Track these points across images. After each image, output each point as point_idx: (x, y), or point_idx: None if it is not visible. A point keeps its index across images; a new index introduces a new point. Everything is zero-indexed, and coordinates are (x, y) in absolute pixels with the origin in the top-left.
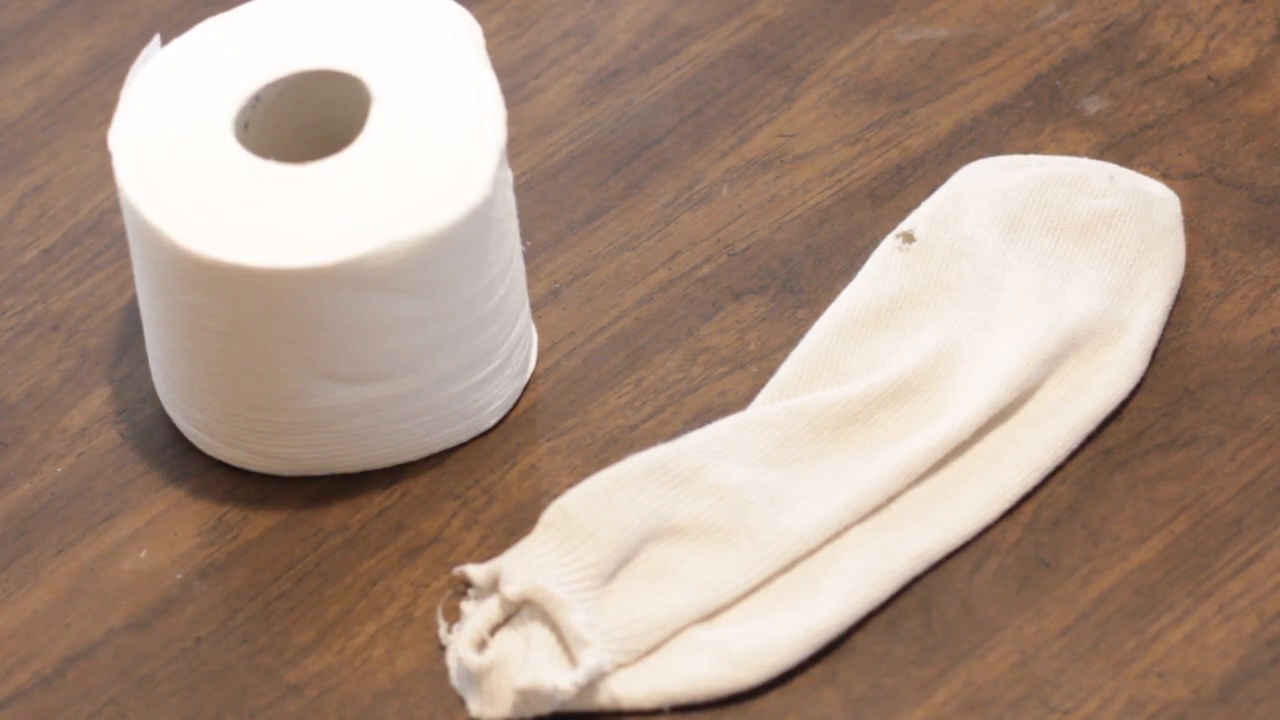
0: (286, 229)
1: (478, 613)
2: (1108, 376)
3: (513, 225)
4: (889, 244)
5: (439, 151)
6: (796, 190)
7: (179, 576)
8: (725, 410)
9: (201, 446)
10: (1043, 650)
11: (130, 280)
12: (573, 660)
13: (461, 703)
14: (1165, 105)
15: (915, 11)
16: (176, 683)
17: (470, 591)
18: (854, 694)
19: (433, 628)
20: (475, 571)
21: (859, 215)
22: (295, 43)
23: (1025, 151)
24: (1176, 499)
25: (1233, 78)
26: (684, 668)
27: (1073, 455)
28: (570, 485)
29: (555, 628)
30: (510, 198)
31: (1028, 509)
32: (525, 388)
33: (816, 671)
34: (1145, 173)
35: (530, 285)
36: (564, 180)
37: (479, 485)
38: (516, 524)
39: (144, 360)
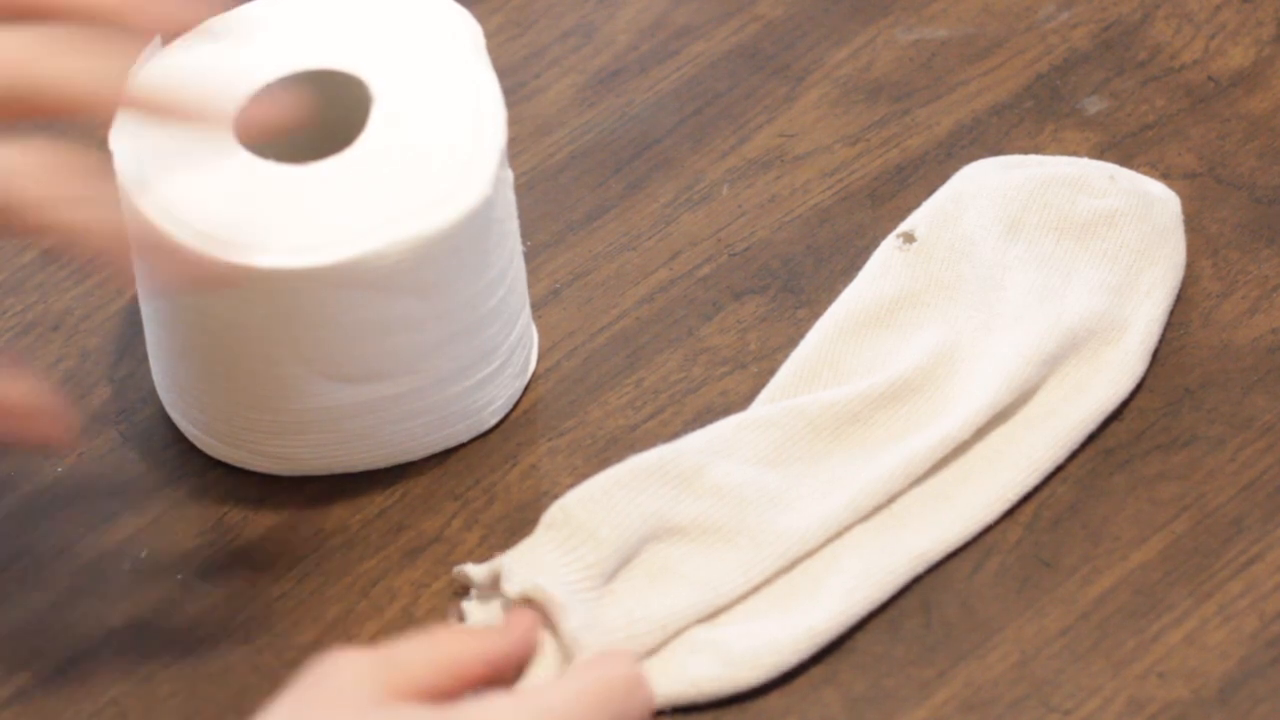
0: (286, 229)
1: (481, 614)
2: (1108, 376)
3: (513, 225)
4: (889, 244)
5: (439, 151)
6: (797, 190)
7: (179, 577)
8: (726, 410)
9: (202, 447)
10: (1043, 650)
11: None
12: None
13: None
14: (1165, 105)
15: (915, 11)
16: (177, 683)
17: (472, 591)
18: (854, 694)
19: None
20: (475, 571)
21: (859, 215)
22: (295, 42)
23: (1025, 151)
24: (1177, 499)
25: (1233, 78)
26: (685, 668)
27: (1073, 455)
28: (571, 485)
29: (554, 630)
30: (511, 197)
31: (1028, 509)
32: (526, 387)
33: (817, 671)
34: (1145, 173)
35: (530, 285)
36: (564, 180)
37: (479, 485)
38: (517, 524)
39: (144, 360)
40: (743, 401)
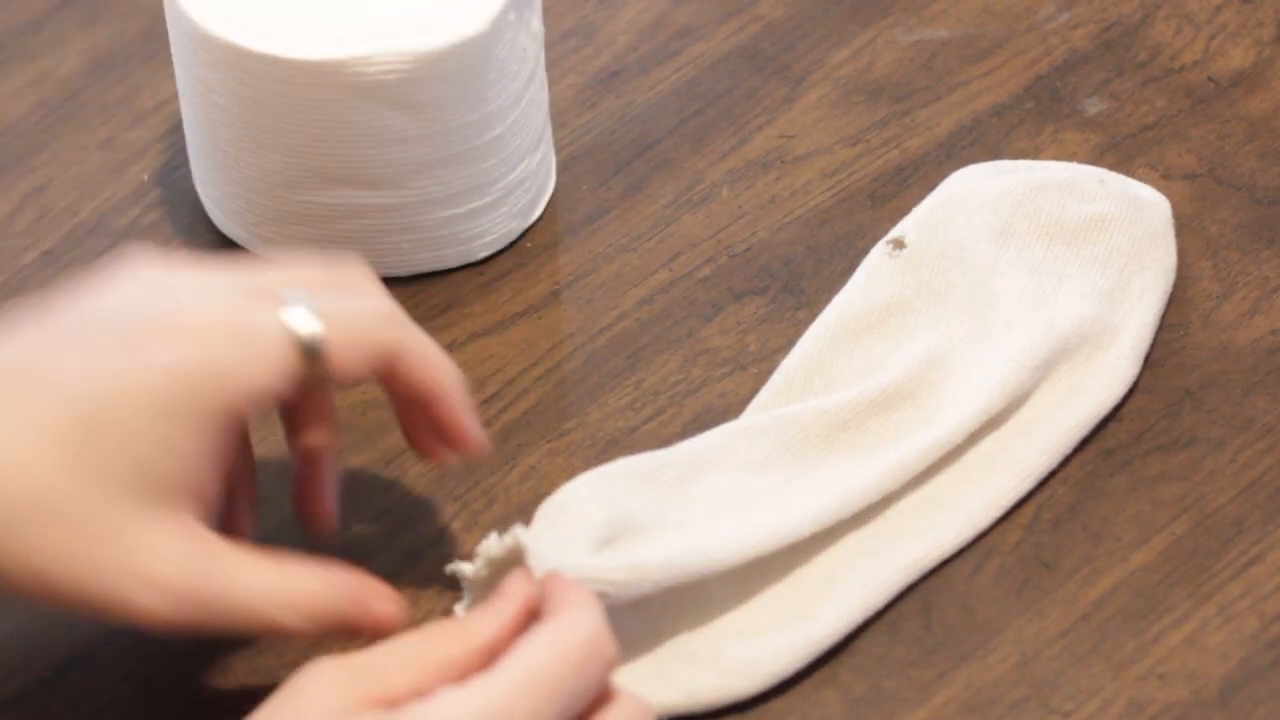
0: (294, 22)
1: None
2: (1100, 381)
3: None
4: (879, 250)
5: None
6: (797, 191)
7: None
8: (725, 412)
9: (216, 222)
10: (1043, 652)
11: None
12: None
13: None
14: (1165, 106)
15: (915, 12)
16: (176, 685)
17: (464, 595)
18: (854, 695)
19: None
20: (465, 567)
21: (859, 216)
22: None
23: (1025, 153)
24: (1177, 500)
25: (1233, 78)
26: (682, 678)
27: (1072, 456)
28: None
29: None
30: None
31: (1028, 510)
32: (530, 384)
33: (817, 673)
34: (1145, 174)
35: (530, 286)
36: (564, 181)
37: (479, 487)
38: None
39: None
40: (742, 403)
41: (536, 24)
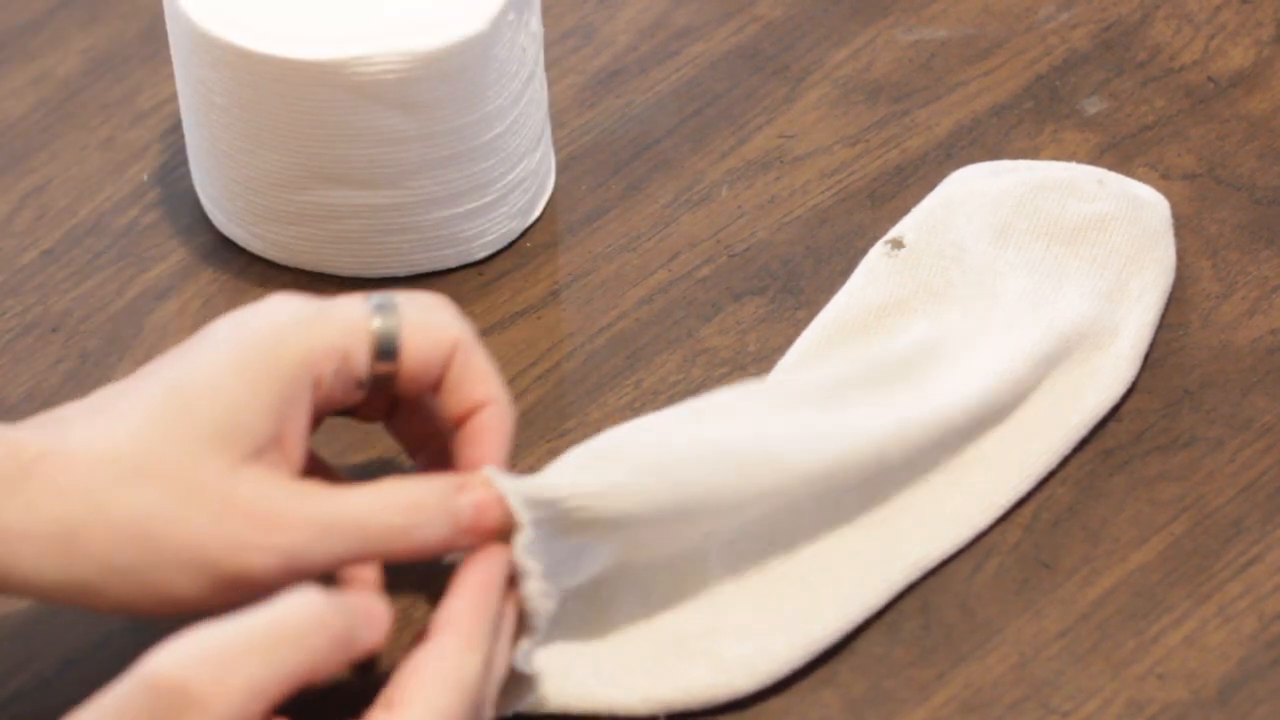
0: (294, 22)
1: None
2: (1100, 382)
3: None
4: (878, 250)
5: None
6: (796, 191)
7: None
8: None
9: (215, 222)
10: (1042, 652)
11: (130, 282)
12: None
13: None
14: (1165, 106)
15: (915, 12)
16: None
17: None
18: (854, 695)
19: None
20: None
21: (859, 216)
22: None
23: (1025, 152)
24: (1176, 500)
25: (1233, 78)
26: (679, 675)
27: (1071, 456)
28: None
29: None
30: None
31: (1027, 510)
32: (531, 386)
33: (816, 673)
34: (1144, 174)
35: (530, 286)
36: (564, 180)
37: None
38: None
39: (144, 361)
40: None
41: (536, 24)
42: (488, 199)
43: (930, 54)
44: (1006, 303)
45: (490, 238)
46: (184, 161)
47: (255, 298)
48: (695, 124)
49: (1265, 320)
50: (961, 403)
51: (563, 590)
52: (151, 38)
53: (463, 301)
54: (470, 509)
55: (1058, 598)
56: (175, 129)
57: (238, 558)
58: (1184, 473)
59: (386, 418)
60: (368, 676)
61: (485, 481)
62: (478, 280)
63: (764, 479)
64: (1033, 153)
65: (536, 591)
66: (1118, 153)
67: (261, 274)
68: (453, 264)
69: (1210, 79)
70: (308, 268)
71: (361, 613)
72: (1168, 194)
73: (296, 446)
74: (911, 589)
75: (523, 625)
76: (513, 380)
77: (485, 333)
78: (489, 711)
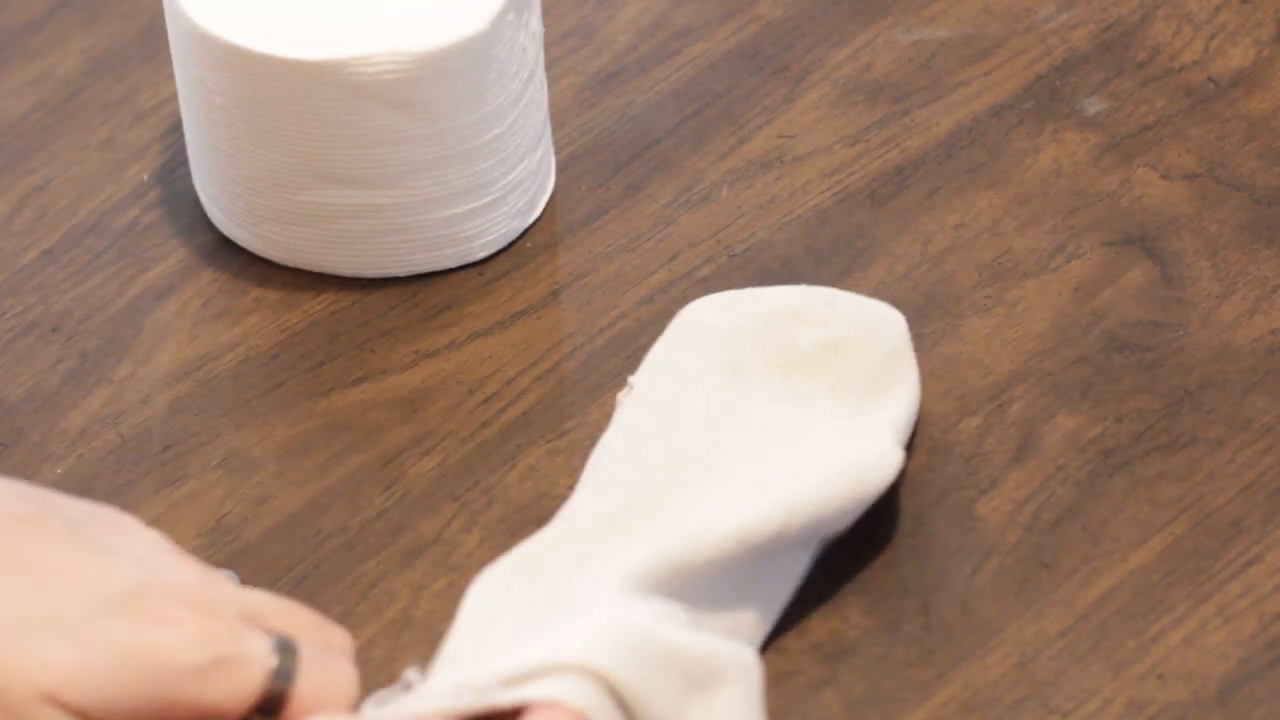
0: (294, 22)
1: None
2: (847, 506)
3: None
4: (619, 398)
5: None
6: (796, 191)
7: None
8: None
9: (215, 222)
10: (1042, 652)
11: (130, 282)
12: None
13: None
14: (1165, 106)
15: (915, 12)
16: None
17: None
18: (854, 695)
19: (433, 629)
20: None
21: (859, 216)
22: None
23: (1025, 152)
24: (1176, 500)
25: (1233, 78)
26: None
27: (1071, 458)
28: (570, 486)
29: None
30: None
31: (1027, 510)
32: (531, 386)
33: (816, 673)
34: (1145, 173)
35: (529, 286)
36: (564, 181)
37: (479, 486)
38: (516, 525)
39: (144, 361)
40: None
41: (536, 24)
42: (488, 199)
43: (930, 54)
44: (746, 436)
45: (490, 238)
46: (184, 161)
47: (255, 298)
48: (695, 124)
49: (1265, 320)
50: (706, 533)
51: None
52: (151, 38)
53: (463, 301)
54: None
55: (1058, 598)
56: (175, 129)
57: None
58: (1184, 473)
59: None
60: None
61: None
62: (478, 280)
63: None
64: (1033, 152)
65: None
66: (1117, 153)
67: (261, 274)
68: (453, 264)
69: (1210, 79)
70: (308, 268)
71: None
72: (1168, 193)
73: None
74: (911, 588)
75: None
76: (512, 380)
77: (485, 333)
78: None
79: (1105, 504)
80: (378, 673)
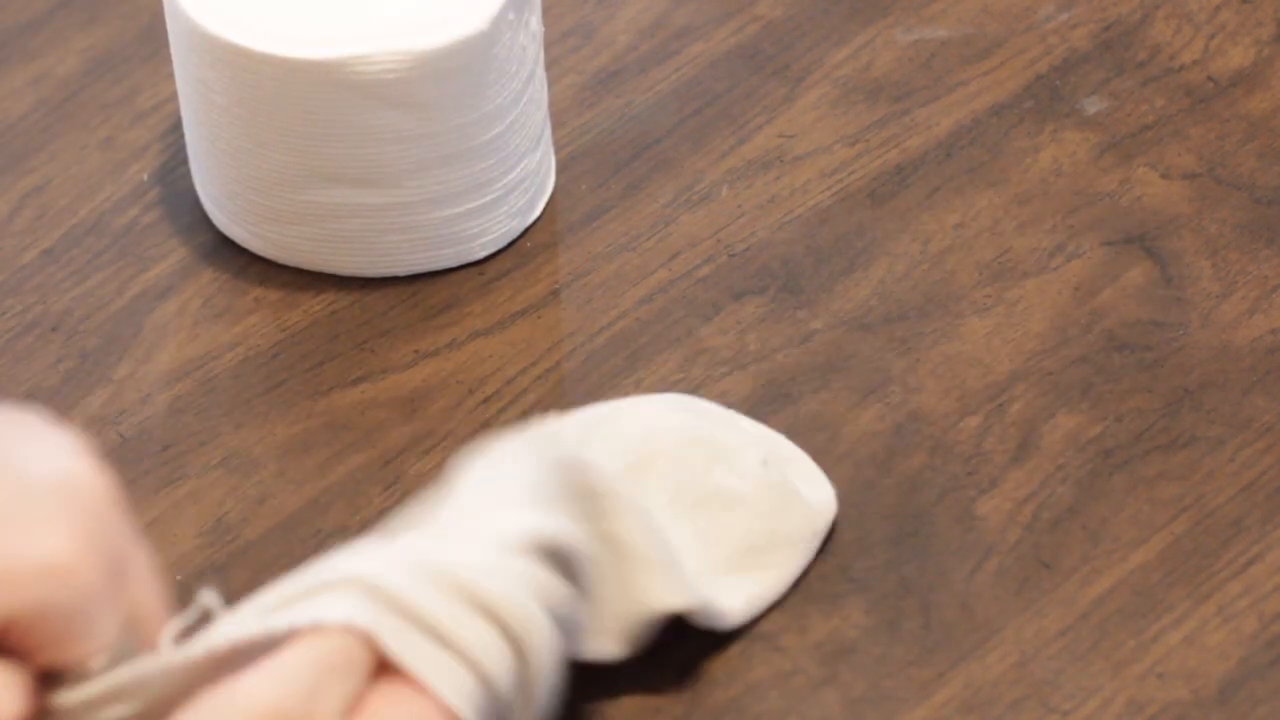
0: (294, 22)
1: None
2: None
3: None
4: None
5: None
6: (796, 190)
7: (179, 578)
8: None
9: (215, 221)
10: (1042, 651)
11: (130, 281)
12: None
13: None
14: (1165, 105)
15: (915, 12)
16: None
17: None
18: (853, 695)
19: None
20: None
21: (859, 215)
22: None
23: (1025, 151)
24: (1176, 500)
25: (1233, 78)
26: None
27: (1071, 457)
28: None
29: None
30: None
31: (1027, 510)
32: (531, 386)
33: (816, 672)
34: (1144, 173)
35: (529, 286)
36: (563, 180)
37: None
38: None
39: (144, 361)
40: (741, 402)
41: (536, 24)
42: (488, 199)
43: (930, 54)
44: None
45: (490, 237)
46: (184, 161)
47: (255, 297)
48: (695, 124)
49: (1265, 320)
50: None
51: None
52: (151, 38)
53: (462, 301)
54: None
55: (1058, 597)
56: (175, 129)
57: None
58: (1184, 473)
59: None
60: None
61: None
62: (478, 280)
63: None
64: (1033, 152)
65: None
66: (1117, 152)
67: (261, 274)
68: (453, 264)
69: (1210, 79)
70: (308, 267)
71: None
72: (1168, 193)
73: None
74: (911, 588)
75: None
76: (512, 380)
77: (485, 332)
78: None
79: (1105, 503)
80: None
